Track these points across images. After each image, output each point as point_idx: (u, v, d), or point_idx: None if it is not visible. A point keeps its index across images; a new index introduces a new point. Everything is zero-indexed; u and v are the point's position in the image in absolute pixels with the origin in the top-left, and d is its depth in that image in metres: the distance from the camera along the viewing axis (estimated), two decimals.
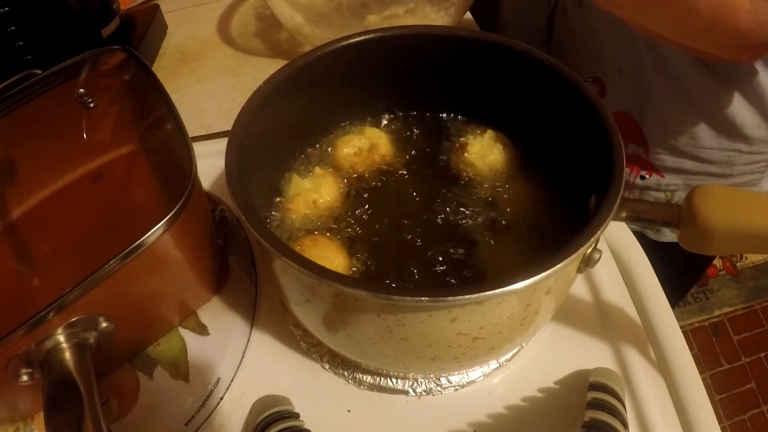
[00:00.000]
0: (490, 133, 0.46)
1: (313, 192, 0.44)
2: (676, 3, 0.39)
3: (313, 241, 0.41)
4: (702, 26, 0.41)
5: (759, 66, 0.53)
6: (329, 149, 0.48)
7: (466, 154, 0.46)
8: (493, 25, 0.84)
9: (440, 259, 0.41)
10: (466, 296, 0.28)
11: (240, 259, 0.50)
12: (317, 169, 0.45)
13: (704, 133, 0.59)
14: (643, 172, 0.66)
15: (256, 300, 0.48)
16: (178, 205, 0.36)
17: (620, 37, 0.60)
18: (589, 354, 0.43)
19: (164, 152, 0.47)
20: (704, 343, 1.58)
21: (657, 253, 0.50)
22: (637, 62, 0.59)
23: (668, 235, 0.66)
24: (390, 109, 0.51)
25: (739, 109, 0.56)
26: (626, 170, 0.67)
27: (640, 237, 0.51)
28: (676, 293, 0.87)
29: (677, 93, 0.58)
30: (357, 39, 0.44)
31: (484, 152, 0.45)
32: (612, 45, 0.61)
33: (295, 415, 0.40)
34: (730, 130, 0.58)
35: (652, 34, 0.46)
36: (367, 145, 0.47)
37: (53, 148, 0.49)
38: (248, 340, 0.45)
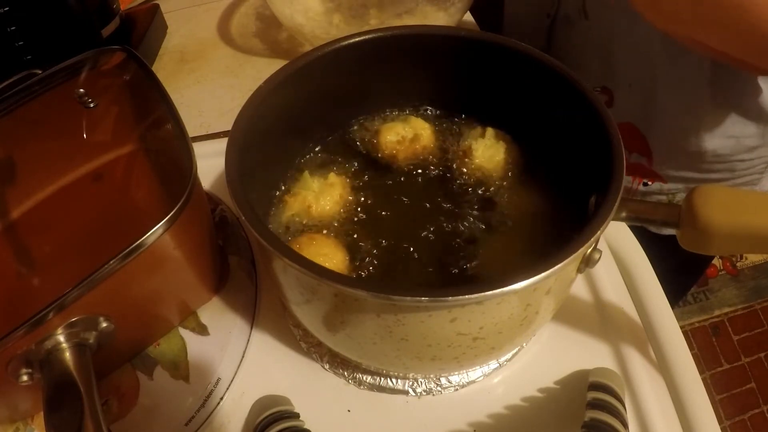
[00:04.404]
0: (491, 132, 0.46)
1: (312, 196, 0.43)
2: (737, 21, 0.38)
3: (310, 239, 0.40)
4: (765, 44, 0.40)
5: (763, 84, 0.53)
6: (330, 151, 0.48)
7: (470, 157, 0.46)
8: (495, 31, 0.85)
9: (440, 258, 0.41)
10: (466, 296, 0.28)
11: (240, 259, 0.50)
12: (332, 175, 0.45)
13: (708, 147, 0.60)
14: (645, 180, 0.67)
15: (256, 300, 0.48)
16: (178, 205, 0.36)
17: (632, 51, 0.60)
18: (589, 354, 0.43)
19: (164, 152, 0.47)
20: (704, 343, 1.58)
21: (657, 251, 0.51)
22: (648, 77, 0.59)
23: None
24: (389, 108, 0.51)
25: (741, 123, 0.57)
26: (629, 178, 0.68)
27: (641, 231, 0.51)
28: (676, 293, 0.87)
29: (687, 109, 0.59)
30: (357, 39, 0.44)
31: (489, 153, 0.45)
32: (623, 58, 0.61)
33: (295, 415, 0.40)
34: (734, 145, 0.59)
35: (701, 48, 0.44)
36: (410, 134, 0.47)
37: (53, 148, 0.49)
38: (248, 340, 0.45)
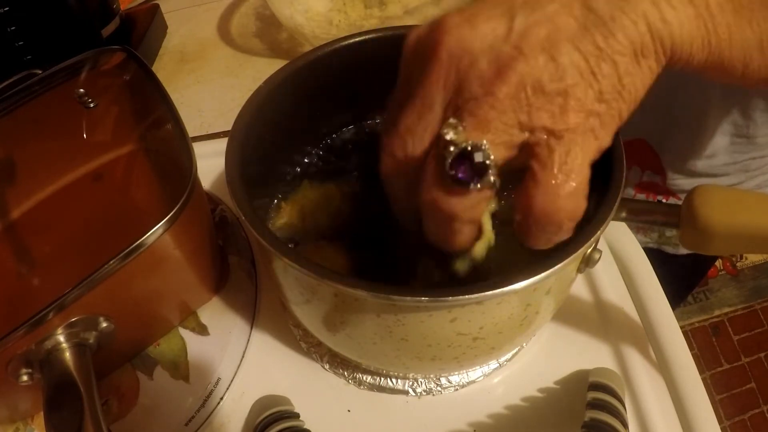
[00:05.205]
0: None
1: (309, 206, 0.43)
2: None
3: (317, 247, 0.40)
4: None
5: None
6: (331, 153, 0.48)
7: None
8: None
9: (440, 259, 0.41)
10: (466, 296, 0.28)
11: (240, 259, 0.50)
12: (331, 186, 0.44)
13: (722, 152, 0.59)
14: (659, 197, 0.67)
15: (256, 300, 0.48)
16: (178, 205, 0.36)
17: None
18: (589, 354, 0.43)
19: (164, 152, 0.47)
20: (704, 343, 1.58)
21: (659, 254, 0.50)
22: (662, 93, 0.59)
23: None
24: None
25: (755, 123, 0.57)
26: (642, 195, 0.67)
27: (643, 232, 0.50)
28: (677, 295, 0.87)
29: (704, 123, 0.58)
30: (357, 39, 0.44)
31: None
32: None
33: (295, 415, 0.40)
34: (745, 144, 0.59)
35: None
36: None
37: (53, 148, 0.49)
38: (248, 340, 0.45)
